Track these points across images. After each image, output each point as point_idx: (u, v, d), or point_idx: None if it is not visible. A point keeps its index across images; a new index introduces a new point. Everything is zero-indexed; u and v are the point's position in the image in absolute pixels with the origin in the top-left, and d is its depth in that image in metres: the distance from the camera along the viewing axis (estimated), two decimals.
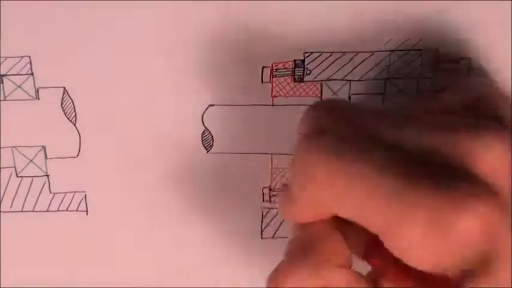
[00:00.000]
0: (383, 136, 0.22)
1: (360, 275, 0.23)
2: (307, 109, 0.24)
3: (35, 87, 0.28)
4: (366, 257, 0.23)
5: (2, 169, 0.29)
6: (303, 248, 0.23)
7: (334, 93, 0.28)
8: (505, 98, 0.25)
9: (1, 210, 0.30)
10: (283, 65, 0.28)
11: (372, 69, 0.28)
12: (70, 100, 0.28)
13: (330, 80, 0.28)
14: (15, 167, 0.29)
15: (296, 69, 0.28)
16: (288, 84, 0.28)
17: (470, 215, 0.19)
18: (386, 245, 0.21)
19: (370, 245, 0.22)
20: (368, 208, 0.21)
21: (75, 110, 0.29)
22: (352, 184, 0.21)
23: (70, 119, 0.29)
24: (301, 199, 0.23)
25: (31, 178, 0.29)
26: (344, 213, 0.22)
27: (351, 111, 0.23)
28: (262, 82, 0.28)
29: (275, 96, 0.29)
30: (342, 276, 0.22)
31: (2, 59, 0.28)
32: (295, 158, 0.23)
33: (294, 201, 0.23)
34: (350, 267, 0.23)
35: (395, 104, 0.25)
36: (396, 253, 0.21)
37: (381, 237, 0.21)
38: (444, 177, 0.20)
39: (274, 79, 0.28)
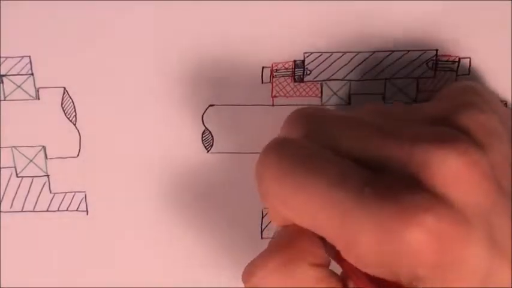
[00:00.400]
0: (344, 146, 0.22)
1: (334, 274, 0.23)
2: (287, 117, 0.25)
3: (35, 87, 0.28)
4: (336, 259, 0.23)
5: (2, 169, 0.29)
6: (279, 245, 0.23)
7: (334, 93, 0.28)
8: (494, 104, 0.25)
9: (1, 210, 0.30)
10: (283, 65, 0.28)
11: (372, 69, 0.28)
12: (70, 100, 0.28)
13: (330, 80, 0.28)
14: (15, 167, 0.29)
15: (296, 69, 0.28)
16: (288, 84, 0.28)
17: (417, 226, 0.20)
18: (343, 254, 0.22)
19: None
20: (322, 222, 0.21)
21: (75, 110, 0.29)
22: (305, 200, 0.22)
23: (70, 119, 0.29)
24: (266, 207, 0.24)
25: (31, 178, 0.29)
26: (302, 225, 0.23)
27: (321, 120, 0.24)
28: (262, 82, 0.28)
29: (275, 97, 0.29)
30: (311, 273, 0.23)
31: (2, 59, 0.28)
32: (255, 167, 0.23)
33: (267, 207, 0.24)
34: (324, 266, 0.23)
35: (376, 108, 0.25)
36: (352, 261, 0.21)
37: (337, 247, 0.22)
38: (396, 189, 0.20)
39: (274, 79, 0.28)
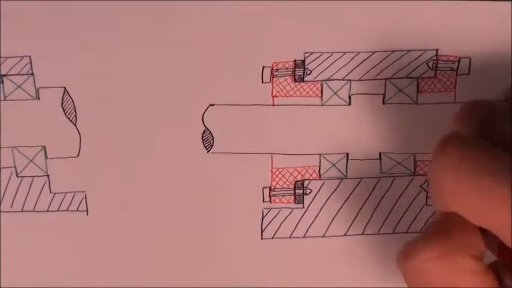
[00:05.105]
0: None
1: (489, 269, 0.23)
2: (460, 109, 0.25)
3: (35, 87, 0.28)
4: (497, 252, 0.23)
5: (2, 169, 0.29)
6: (440, 232, 0.23)
7: (335, 93, 0.28)
8: None
9: (1, 210, 0.30)
10: (284, 65, 0.28)
11: (371, 69, 0.28)
12: (70, 100, 0.28)
13: (330, 80, 0.28)
14: (15, 167, 0.29)
15: (296, 69, 0.28)
16: (289, 84, 0.28)
17: None
18: None
19: (503, 245, 0.23)
20: (498, 221, 0.21)
21: (75, 110, 0.29)
22: (482, 201, 0.21)
23: (70, 119, 0.29)
24: (435, 200, 0.24)
25: (31, 178, 0.29)
26: (474, 222, 0.22)
27: (493, 116, 0.24)
28: (262, 82, 0.28)
29: (275, 96, 0.29)
30: (471, 266, 0.22)
31: (2, 59, 0.28)
32: (432, 162, 0.23)
33: (432, 196, 0.24)
34: (482, 260, 0.23)
35: None
36: None
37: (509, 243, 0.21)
38: None
39: (274, 79, 0.28)
